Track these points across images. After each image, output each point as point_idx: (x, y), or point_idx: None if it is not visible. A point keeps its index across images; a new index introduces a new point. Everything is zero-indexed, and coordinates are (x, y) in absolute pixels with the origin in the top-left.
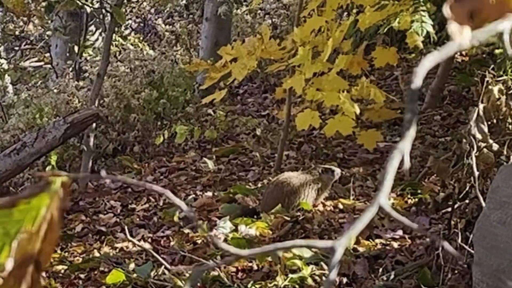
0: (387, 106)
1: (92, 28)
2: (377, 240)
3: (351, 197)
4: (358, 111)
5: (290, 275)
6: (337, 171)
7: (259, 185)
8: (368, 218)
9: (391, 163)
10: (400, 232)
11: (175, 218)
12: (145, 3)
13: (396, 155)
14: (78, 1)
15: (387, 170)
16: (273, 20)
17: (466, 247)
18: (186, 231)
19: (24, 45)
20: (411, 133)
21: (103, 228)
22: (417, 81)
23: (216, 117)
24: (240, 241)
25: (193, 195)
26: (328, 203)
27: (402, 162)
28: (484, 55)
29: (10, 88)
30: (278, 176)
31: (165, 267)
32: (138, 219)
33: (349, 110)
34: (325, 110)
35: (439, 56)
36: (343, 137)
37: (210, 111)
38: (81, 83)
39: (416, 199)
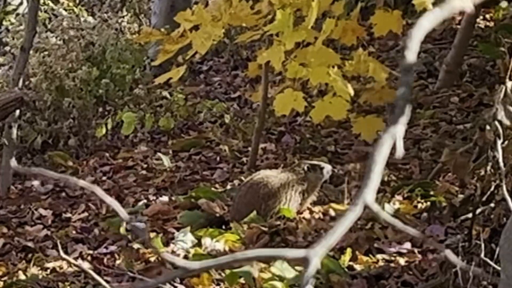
0: (390, 86)
1: None
2: (379, 256)
3: (346, 201)
4: (352, 92)
5: None
6: (327, 168)
7: (229, 186)
8: (351, 220)
9: (379, 151)
10: (407, 245)
11: (122, 230)
12: None
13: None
14: None
15: (374, 159)
16: None
17: (491, 262)
18: (136, 246)
19: None
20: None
21: (30, 244)
22: (412, 46)
23: (173, 101)
24: (204, 258)
25: (145, 200)
26: (317, 208)
27: (394, 149)
28: None
29: None
30: (253, 176)
31: None
32: (74, 232)
33: (341, 90)
34: (312, 90)
35: (440, 14)
36: (335, 125)
37: (165, 93)
38: (0, 59)
39: (428, 203)
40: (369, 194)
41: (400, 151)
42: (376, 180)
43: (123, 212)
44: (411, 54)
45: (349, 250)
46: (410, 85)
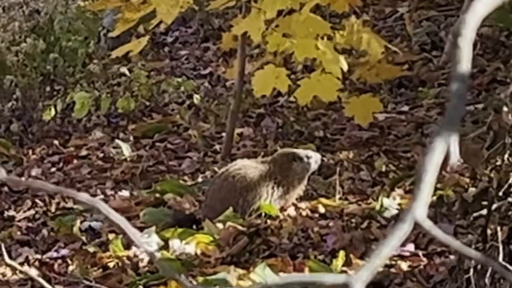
0: (388, 60)
1: None
2: None
3: (337, 196)
4: (345, 67)
5: None
6: (316, 157)
7: (200, 179)
8: (399, 239)
9: (431, 158)
10: (410, 247)
11: (75, 230)
12: None
13: (439, 146)
14: None
15: (425, 168)
16: None
17: (511, 267)
18: (92, 249)
19: None
20: (460, 111)
21: None
22: (467, 34)
23: (134, 79)
24: (172, 263)
25: (101, 196)
26: (303, 205)
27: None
28: None
29: None
30: (228, 166)
31: None
32: (19, 233)
33: (331, 65)
34: (296, 66)
35: None
36: (323, 107)
37: (124, 69)
38: None
39: (434, 198)
40: (419, 209)
41: (455, 158)
42: (428, 192)
43: (135, 236)
44: (466, 43)
45: (342, 253)
46: (465, 78)
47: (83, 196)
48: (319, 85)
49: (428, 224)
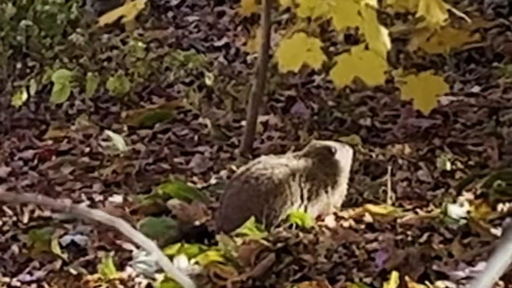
0: (453, 25)
1: None
2: (440, 283)
3: (389, 202)
4: (388, 45)
5: None
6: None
7: (213, 181)
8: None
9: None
10: (481, 267)
11: (54, 246)
12: None
13: None
14: None
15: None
16: None
17: None
18: (75, 270)
19: None
20: None
21: None
22: None
23: (128, 53)
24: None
25: (87, 202)
26: (346, 213)
27: None
28: None
29: None
30: (249, 164)
31: None
32: None
33: (375, 40)
34: (335, 36)
35: None
36: (371, 88)
37: (115, 40)
38: None
39: None
40: None
41: None
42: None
43: (171, 267)
44: None
45: (395, 274)
46: None
47: (99, 215)
48: (361, 64)
49: None
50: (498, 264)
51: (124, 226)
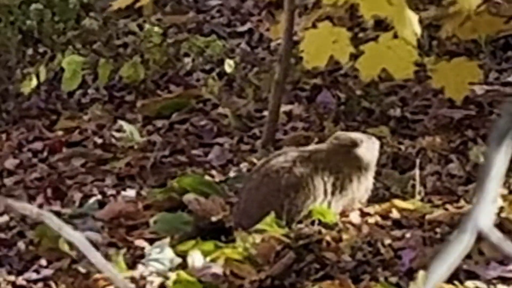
0: (488, 10)
1: None
2: (470, 283)
3: (417, 197)
4: (419, 32)
5: None
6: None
7: (232, 174)
8: (459, 255)
9: (498, 153)
10: None
11: (62, 243)
12: None
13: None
14: None
15: (490, 166)
16: None
17: None
18: (83, 269)
19: None
20: None
21: None
22: None
23: (145, 39)
24: (191, 287)
25: (99, 196)
26: (371, 209)
27: None
28: None
29: None
30: (270, 157)
31: None
32: None
33: (405, 28)
34: (364, 23)
35: None
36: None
37: (132, 25)
38: None
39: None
40: (483, 215)
41: None
42: (493, 194)
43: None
44: None
45: (422, 274)
46: None
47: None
48: (389, 54)
49: (496, 236)
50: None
51: (52, 220)
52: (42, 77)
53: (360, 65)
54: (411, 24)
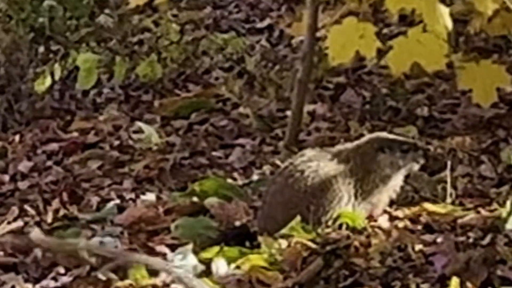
0: None
1: None
2: None
3: (448, 200)
4: (450, 25)
5: None
6: (419, 147)
7: (255, 177)
8: None
9: None
10: None
11: (80, 251)
12: None
13: None
14: None
15: None
16: None
17: None
18: (103, 277)
19: None
20: None
21: None
22: None
23: (162, 36)
24: None
25: (117, 201)
26: (400, 212)
27: None
28: None
29: None
30: (294, 158)
31: None
32: (1, 253)
33: (436, 22)
34: (391, 16)
35: None
36: (429, 73)
37: (147, 22)
38: None
39: None
40: None
41: None
42: None
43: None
44: None
45: (455, 280)
46: None
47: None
48: (419, 48)
49: None
50: None
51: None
52: (57, 75)
53: (390, 61)
54: (442, 18)
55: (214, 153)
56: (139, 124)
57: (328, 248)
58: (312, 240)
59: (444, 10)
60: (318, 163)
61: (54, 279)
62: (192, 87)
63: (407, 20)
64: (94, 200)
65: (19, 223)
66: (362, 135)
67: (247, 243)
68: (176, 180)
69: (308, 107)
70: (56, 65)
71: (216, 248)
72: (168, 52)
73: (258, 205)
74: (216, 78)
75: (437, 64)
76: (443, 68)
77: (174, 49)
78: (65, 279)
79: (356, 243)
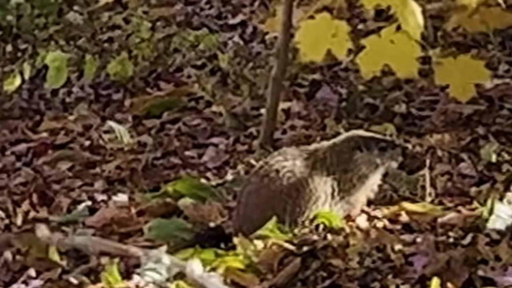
0: (498, 2)
1: None
2: None
3: (428, 199)
4: (421, 22)
5: None
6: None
7: (229, 177)
8: None
9: None
10: None
11: (52, 254)
12: None
13: None
14: None
15: None
16: None
17: None
18: (75, 280)
19: None
20: None
21: None
22: None
23: (132, 33)
24: None
25: (88, 202)
26: (379, 212)
27: None
28: None
29: None
30: (270, 157)
31: None
32: None
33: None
34: (364, 14)
35: None
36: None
37: (117, 19)
38: None
39: None
40: None
41: None
42: None
43: None
44: None
45: (435, 281)
46: None
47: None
48: (392, 49)
49: None
50: None
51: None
52: (27, 74)
53: (361, 61)
54: (414, 16)
55: (187, 153)
56: (110, 123)
57: (305, 249)
58: (289, 241)
59: (417, 8)
60: (294, 162)
61: (25, 282)
62: (164, 85)
63: (384, 15)
64: (65, 201)
65: None
66: (338, 133)
67: (222, 245)
68: (149, 180)
69: (283, 105)
70: (25, 64)
71: (190, 250)
72: (139, 49)
73: (233, 206)
74: (189, 76)
75: (409, 68)
76: (414, 75)
77: (145, 47)
78: (36, 282)
79: (334, 243)
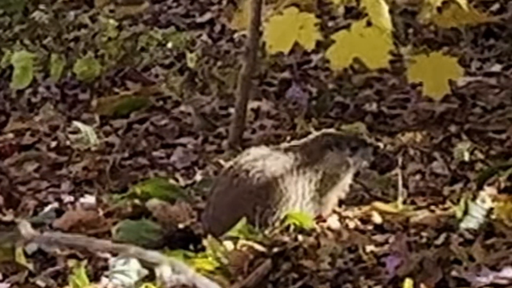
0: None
1: None
2: None
3: (400, 199)
4: (389, 22)
5: None
6: (368, 145)
7: (198, 177)
8: None
9: None
10: (508, 272)
11: (18, 257)
12: None
13: None
14: None
15: None
16: None
17: None
18: (42, 283)
19: None
20: None
21: None
22: None
23: (99, 32)
24: None
25: (55, 204)
26: (350, 212)
27: None
28: None
29: None
30: (239, 157)
31: None
32: None
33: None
34: (333, 11)
35: None
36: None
37: (84, 17)
38: None
39: None
40: None
41: None
42: None
43: None
44: None
45: (408, 282)
46: None
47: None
48: (362, 43)
49: None
50: None
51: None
52: None
53: (331, 55)
54: (385, 10)
55: (155, 153)
56: (77, 124)
57: (275, 250)
58: (259, 242)
59: (384, 4)
60: (263, 162)
61: None
62: (131, 85)
63: (354, 12)
64: (31, 203)
65: None
66: (308, 132)
67: (192, 246)
68: (116, 181)
69: (252, 104)
70: None
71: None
72: (105, 49)
73: (202, 207)
74: (156, 75)
75: (380, 60)
76: (386, 66)
77: (112, 46)
78: (3, 285)
79: (305, 244)
